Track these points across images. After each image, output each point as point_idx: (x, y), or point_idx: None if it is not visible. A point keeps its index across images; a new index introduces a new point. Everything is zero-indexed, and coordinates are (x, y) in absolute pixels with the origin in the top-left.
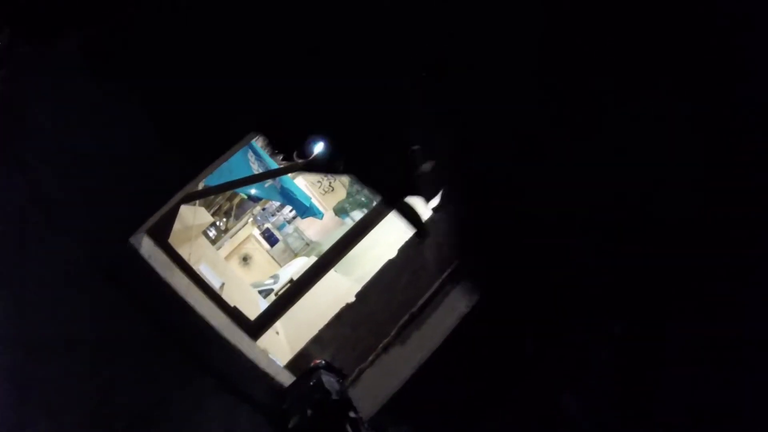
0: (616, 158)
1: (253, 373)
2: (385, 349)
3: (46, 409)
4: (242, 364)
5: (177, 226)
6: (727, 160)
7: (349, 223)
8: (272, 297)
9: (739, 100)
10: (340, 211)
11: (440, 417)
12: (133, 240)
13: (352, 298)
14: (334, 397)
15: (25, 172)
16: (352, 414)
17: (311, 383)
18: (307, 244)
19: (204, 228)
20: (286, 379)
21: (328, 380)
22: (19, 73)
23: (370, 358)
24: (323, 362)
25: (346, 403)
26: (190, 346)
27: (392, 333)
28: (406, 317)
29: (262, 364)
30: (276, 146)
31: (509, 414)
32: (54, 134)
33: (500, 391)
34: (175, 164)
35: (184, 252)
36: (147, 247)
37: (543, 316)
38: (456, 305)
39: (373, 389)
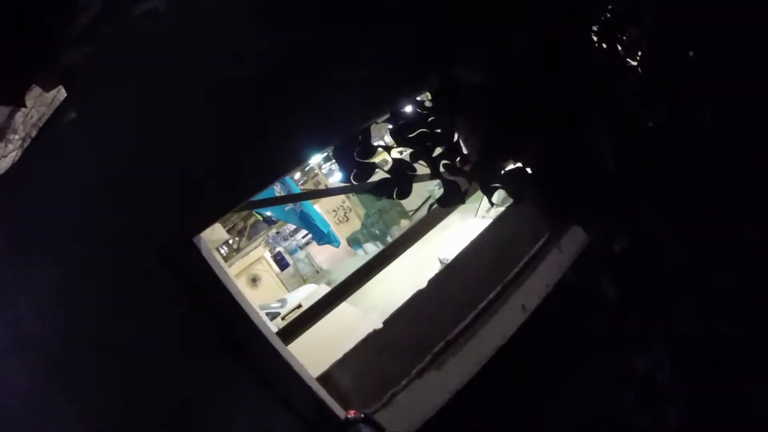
0: None
1: (295, 383)
2: (420, 374)
3: (81, 393)
4: (286, 373)
5: None
6: None
7: (360, 254)
8: (279, 321)
9: None
10: (353, 241)
11: None
12: (195, 240)
13: (366, 327)
14: None
15: (92, 149)
16: None
17: None
18: (317, 272)
19: (218, 244)
20: (325, 395)
21: None
22: (100, 54)
23: (404, 383)
24: (362, 415)
25: None
26: (242, 349)
27: (427, 358)
28: (441, 344)
29: (305, 376)
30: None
31: None
32: (124, 115)
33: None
34: (248, 173)
35: None
36: (205, 247)
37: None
38: (492, 336)
39: (408, 411)
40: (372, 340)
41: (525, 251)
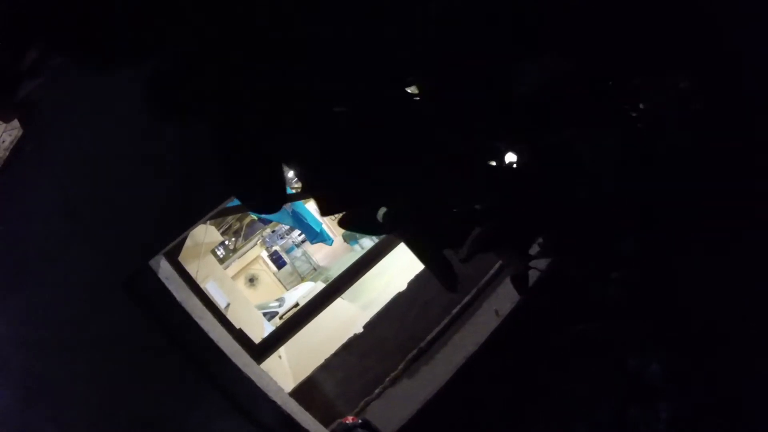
0: None
1: (261, 399)
2: (393, 382)
3: (52, 415)
4: (251, 390)
5: (187, 242)
6: None
7: (357, 249)
8: (276, 320)
9: None
10: (350, 237)
11: None
12: (152, 263)
13: (358, 327)
14: None
15: (55, 180)
16: None
17: None
18: (315, 269)
19: (213, 246)
20: (294, 407)
21: None
22: (53, 83)
23: (377, 391)
24: (360, 420)
25: None
26: (203, 367)
27: (400, 367)
28: (414, 351)
29: (271, 392)
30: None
31: None
32: (85, 146)
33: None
34: (206, 189)
35: (192, 269)
36: (165, 269)
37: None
38: (464, 343)
39: (380, 421)
40: (354, 344)
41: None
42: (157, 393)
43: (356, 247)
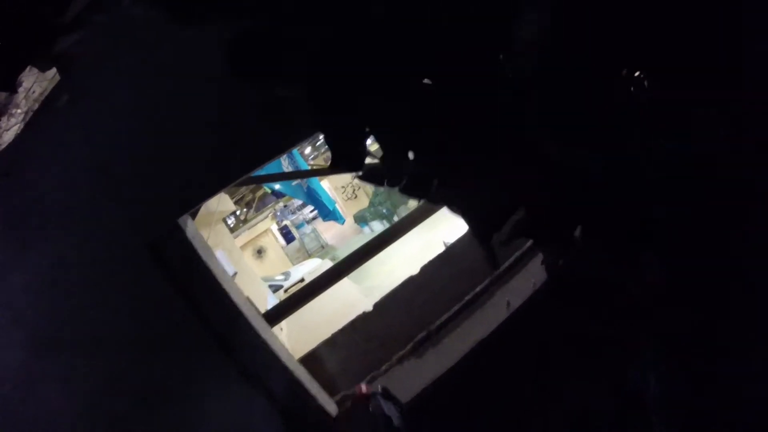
0: None
1: (274, 365)
2: (400, 360)
3: (61, 376)
4: (266, 355)
5: (201, 209)
6: None
7: (367, 231)
8: (281, 293)
9: None
10: (360, 219)
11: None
12: (180, 221)
13: (366, 307)
14: (396, 424)
15: (84, 134)
16: None
17: (369, 408)
18: (322, 247)
19: (225, 215)
20: (303, 375)
21: (389, 407)
22: (92, 40)
23: (384, 368)
24: (380, 388)
25: None
26: (220, 331)
27: (408, 346)
28: (423, 333)
29: (284, 357)
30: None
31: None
32: (119, 102)
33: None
34: (235, 154)
35: (203, 235)
36: (191, 229)
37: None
38: (473, 331)
39: None
40: (360, 323)
41: (518, 246)
42: (171, 357)
43: (366, 229)
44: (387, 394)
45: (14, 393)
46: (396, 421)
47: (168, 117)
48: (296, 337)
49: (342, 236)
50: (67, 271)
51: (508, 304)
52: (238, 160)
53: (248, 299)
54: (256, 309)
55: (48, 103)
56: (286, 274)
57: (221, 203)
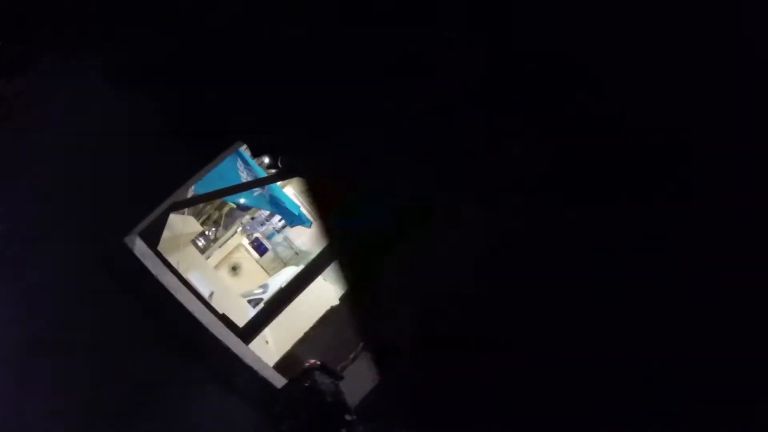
0: None
1: (241, 368)
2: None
3: (44, 393)
4: (231, 360)
5: (166, 234)
6: None
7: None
8: (262, 306)
9: None
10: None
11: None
12: (127, 240)
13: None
14: (329, 399)
15: (29, 170)
16: (347, 417)
17: (306, 385)
18: (297, 254)
19: (193, 237)
20: (273, 375)
21: (323, 382)
22: (32, 78)
23: (351, 356)
24: (318, 363)
25: (342, 406)
26: (184, 340)
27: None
28: None
29: (249, 360)
30: (258, 152)
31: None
32: (57, 133)
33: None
34: (170, 165)
35: (172, 260)
36: (140, 247)
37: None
38: None
39: (353, 385)
40: (331, 316)
41: None
42: (142, 367)
43: None
44: (324, 368)
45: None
46: (330, 397)
47: (96, 143)
48: (284, 345)
49: (315, 240)
50: (45, 287)
51: None
52: (167, 176)
53: (224, 315)
54: (228, 325)
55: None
56: (265, 287)
57: (186, 225)
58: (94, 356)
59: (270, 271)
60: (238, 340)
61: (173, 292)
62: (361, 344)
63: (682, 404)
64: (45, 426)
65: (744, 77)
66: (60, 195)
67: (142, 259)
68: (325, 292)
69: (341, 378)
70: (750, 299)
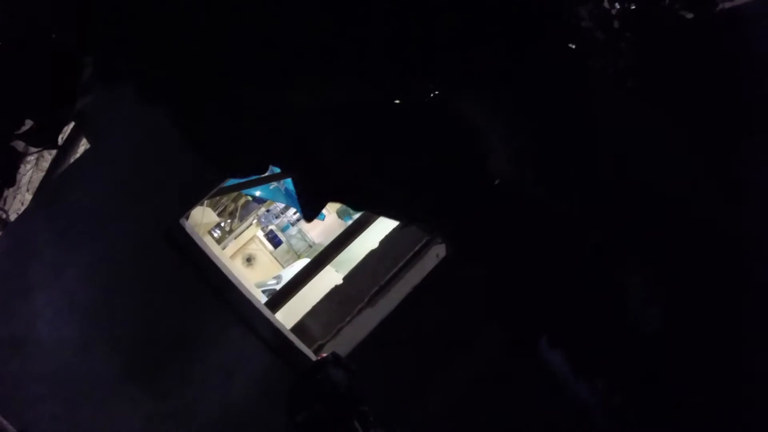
0: None
1: (259, 317)
2: (359, 312)
3: (112, 333)
4: (258, 313)
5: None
6: None
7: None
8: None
9: None
10: (343, 213)
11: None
12: (182, 221)
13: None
14: (342, 391)
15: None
16: (360, 408)
17: (318, 377)
18: (310, 246)
19: (210, 228)
20: (291, 335)
21: (336, 374)
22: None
23: (348, 319)
24: (330, 356)
25: (355, 397)
26: (222, 295)
27: (365, 299)
28: (376, 288)
29: (266, 313)
30: None
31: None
32: (126, 140)
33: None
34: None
35: None
36: (189, 227)
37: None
38: (411, 279)
39: (346, 339)
40: (335, 293)
41: None
42: (188, 314)
43: (350, 222)
44: (337, 361)
45: (73, 358)
46: (343, 388)
47: (160, 149)
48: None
49: (328, 233)
50: (104, 263)
51: (437, 256)
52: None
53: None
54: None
55: (66, 148)
56: (278, 278)
57: (205, 216)
58: (146, 307)
59: (284, 263)
60: (266, 308)
61: (216, 262)
62: (356, 310)
63: None
64: (108, 357)
65: None
66: (127, 186)
67: (192, 236)
68: (334, 280)
69: (354, 371)
70: None
